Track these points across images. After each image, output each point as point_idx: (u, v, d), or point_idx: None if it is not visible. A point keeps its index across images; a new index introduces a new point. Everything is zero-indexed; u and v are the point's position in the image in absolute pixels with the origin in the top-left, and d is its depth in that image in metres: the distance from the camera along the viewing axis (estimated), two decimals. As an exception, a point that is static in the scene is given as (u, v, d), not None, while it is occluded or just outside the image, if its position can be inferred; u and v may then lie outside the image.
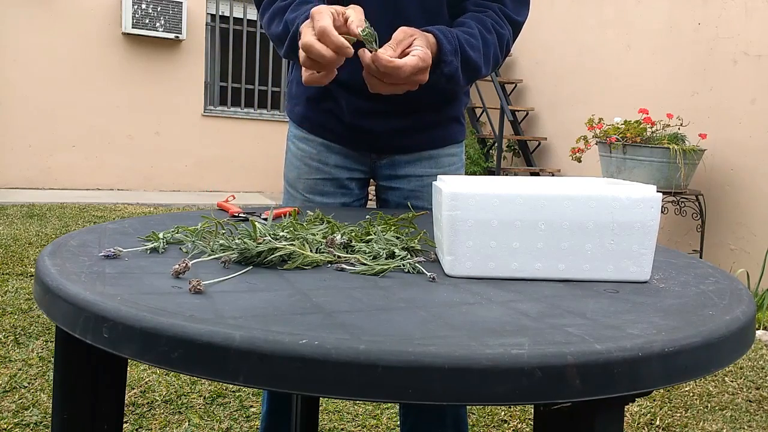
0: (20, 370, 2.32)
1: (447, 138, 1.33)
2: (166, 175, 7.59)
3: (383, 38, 0.97)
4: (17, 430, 1.92)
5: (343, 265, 0.73)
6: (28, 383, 2.21)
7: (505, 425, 2.16)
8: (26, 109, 6.87)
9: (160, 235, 0.81)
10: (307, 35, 0.92)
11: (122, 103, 7.29)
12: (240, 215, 1.05)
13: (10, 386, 2.18)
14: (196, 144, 7.69)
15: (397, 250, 0.77)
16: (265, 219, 0.86)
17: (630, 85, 5.23)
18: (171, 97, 7.51)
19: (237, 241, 0.74)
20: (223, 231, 0.83)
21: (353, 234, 0.83)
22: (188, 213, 1.08)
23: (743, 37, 4.37)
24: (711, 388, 2.55)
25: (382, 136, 1.27)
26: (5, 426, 1.92)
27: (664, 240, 4.77)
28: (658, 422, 2.22)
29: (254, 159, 7.89)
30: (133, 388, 2.23)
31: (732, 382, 2.63)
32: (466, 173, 4.62)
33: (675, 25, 4.88)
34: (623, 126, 4.30)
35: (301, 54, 0.93)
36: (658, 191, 0.72)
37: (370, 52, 0.94)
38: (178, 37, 7.28)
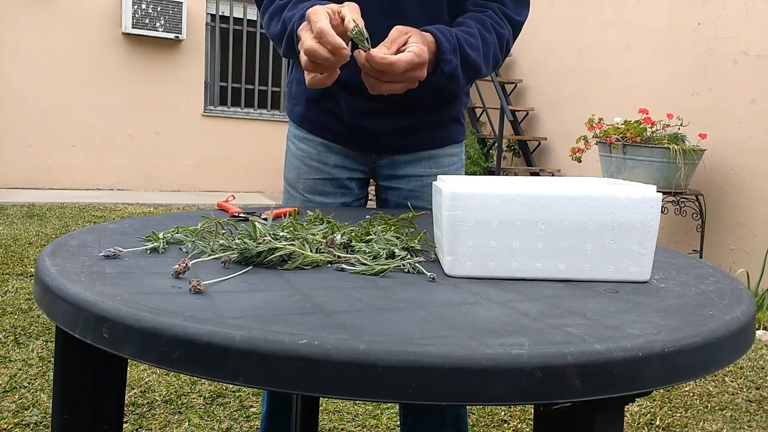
0: (20, 370, 2.32)
1: (447, 138, 1.33)
2: (166, 175, 7.59)
3: (382, 39, 0.97)
4: (17, 430, 1.92)
5: (343, 265, 0.73)
6: (28, 383, 2.21)
7: (505, 425, 2.16)
8: (26, 109, 6.87)
9: (160, 235, 0.81)
10: (308, 39, 0.91)
11: (122, 103, 7.29)
12: (240, 215, 1.05)
13: (10, 386, 2.18)
14: (196, 144, 7.69)
15: (397, 250, 0.77)
16: (265, 219, 0.86)
17: (630, 85, 5.23)
18: (171, 97, 7.51)
19: (237, 241, 0.74)
20: (223, 231, 0.83)
21: (353, 234, 0.83)
22: (188, 213, 1.08)
23: (743, 37, 4.37)
24: (711, 388, 2.55)
25: (382, 136, 1.27)
26: (5, 426, 1.92)
27: (664, 240, 4.77)
28: (658, 422, 2.22)
29: (254, 159, 7.89)
30: (133, 388, 2.23)
31: (732, 382, 2.63)
32: (466, 173, 4.62)
33: (675, 25, 4.88)
34: (623, 126, 4.30)
35: (303, 57, 0.93)
36: (658, 191, 0.72)
37: (364, 51, 0.94)
38: (178, 37, 7.28)
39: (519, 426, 2.16)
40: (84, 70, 7.06)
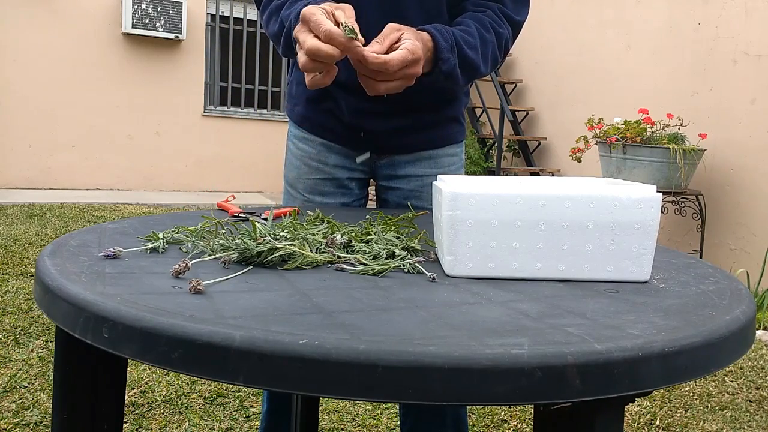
0: (20, 370, 2.32)
1: (447, 138, 1.33)
2: (166, 175, 7.60)
3: None
4: (17, 430, 1.92)
5: (343, 265, 0.73)
6: (28, 383, 2.21)
7: (505, 425, 2.16)
8: (26, 109, 6.87)
9: (160, 235, 0.81)
10: (309, 39, 0.91)
11: (122, 103, 7.29)
12: (240, 215, 1.05)
13: (10, 386, 2.18)
14: (196, 144, 7.69)
15: (397, 250, 0.77)
16: (265, 219, 0.86)
17: (630, 85, 5.24)
18: (171, 97, 7.51)
19: (237, 241, 0.74)
20: (223, 231, 0.83)
21: (353, 234, 0.83)
22: (188, 213, 1.08)
23: (743, 37, 4.37)
24: (711, 388, 2.55)
25: (382, 137, 1.28)
26: (5, 426, 1.92)
27: (664, 240, 4.77)
28: (658, 422, 2.22)
29: (254, 159, 7.90)
30: (133, 388, 2.23)
31: (732, 382, 2.63)
32: (466, 173, 4.62)
33: (675, 25, 4.88)
34: (623, 126, 4.30)
35: (302, 58, 0.93)
36: (658, 191, 0.72)
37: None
38: (178, 37, 7.28)
39: (519, 426, 2.16)
40: (84, 70, 7.06)
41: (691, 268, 0.82)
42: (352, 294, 0.63)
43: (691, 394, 2.48)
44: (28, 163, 6.96)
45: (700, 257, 4.28)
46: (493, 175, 4.26)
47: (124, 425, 1.91)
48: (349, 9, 0.94)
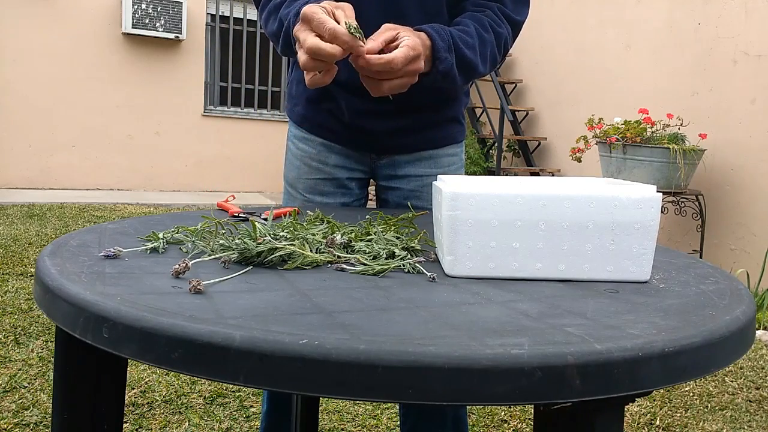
0: (20, 370, 2.32)
1: (447, 138, 1.33)
2: (166, 175, 7.60)
3: None
4: (17, 430, 1.92)
5: (343, 265, 0.73)
6: (28, 383, 2.21)
7: (505, 425, 2.16)
8: (26, 109, 6.87)
9: (160, 235, 0.81)
10: (309, 38, 0.91)
11: (122, 103, 7.29)
12: (240, 215, 1.05)
13: (10, 386, 2.18)
14: (196, 144, 7.69)
15: (397, 250, 0.77)
16: (265, 219, 0.86)
17: (630, 85, 5.24)
18: (171, 97, 7.51)
19: (237, 241, 0.74)
20: (223, 231, 0.83)
21: (353, 234, 0.83)
22: (188, 213, 1.08)
23: (743, 37, 4.37)
24: (711, 388, 2.55)
25: (382, 137, 1.27)
26: (5, 426, 1.92)
27: (664, 240, 4.77)
28: (658, 422, 2.22)
29: (254, 159, 7.90)
30: (133, 388, 2.23)
31: (732, 382, 2.63)
32: (466, 173, 4.62)
33: (675, 25, 4.88)
34: (623, 126, 4.30)
35: (302, 57, 0.92)
36: (658, 191, 0.72)
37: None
38: (178, 37, 7.28)
39: (519, 426, 2.16)
40: (84, 70, 7.06)
41: (691, 268, 0.82)
42: (352, 294, 0.63)
43: (691, 394, 2.48)
44: (28, 163, 6.95)
45: (700, 257, 4.28)
46: (493, 175, 4.26)
47: (124, 425, 1.91)
48: (348, 8, 0.94)
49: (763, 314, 3.50)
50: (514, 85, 6.69)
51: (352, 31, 0.90)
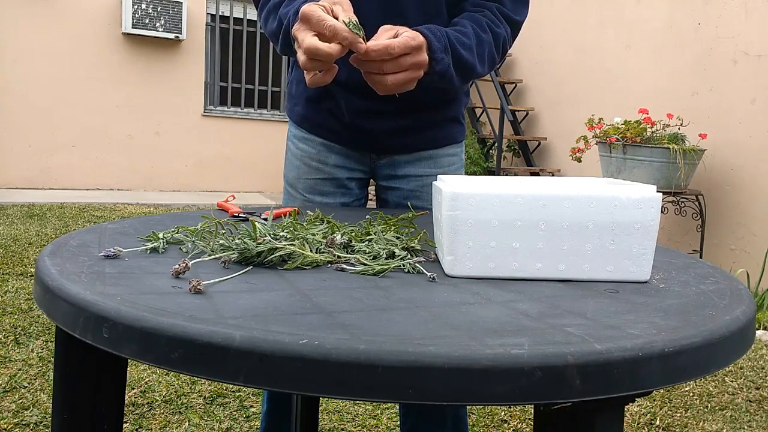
0: (20, 370, 2.32)
1: (447, 138, 1.33)
2: (166, 175, 7.60)
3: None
4: (17, 430, 1.92)
5: (343, 265, 0.73)
6: (28, 383, 2.21)
7: (505, 425, 2.16)
8: (26, 109, 6.87)
9: (160, 235, 0.81)
10: (307, 38, 0.91)
11: (122, 103, 7.29)
12: (240, 215, 1.05)
13: (10, 386, 2.18)
14: (196, 144, 7.69)
15: (397, 250, 0.77)
16: (265, 219, 0.86)
17: (630, 85, 5.24)
18: (171, 97, 7.51)
19: (237, 241, 0.74)
20: (223, 231, 0.83)
21: (353, 234, 0.83)
22: (188, 213, 1.08)
23: (743, 37, 4.37)
24: (711, 388, 2.55)
25: (382, 136, 1.27)
26: (5, 426, 1.92)
27: (664, 240, 4.77)
28: (658, 422, 2.22)
29: (254, 159, 7.90)
30: (133, 388, 2.23)
31: (732, 382, 2.63)
32: (466, 173, 4.62)
33: (675, 25, 4.88)
34: (623, 126, 4.30)
35: (302, 57, 0.92)
36: (658, 191, 0.72)
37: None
38: (178, 37, 7.28)
39: (519, 426, 2.16)
40: (84, 70, 7.06)
41: (691, 268, 0.82)
42: (352, 294, 0.63)
43: (691, 394, 2.48)
44: (28, 163, 6.95)
45: (700, 257, 4.28)
46: (493, 175, 4.26)
47: (124, 425, 1.91)
48: (346, 3, 0.94)
49: (763, 314, 3.50)
50: (514, 85, 6.68)
51: (351, 27, 0.89)
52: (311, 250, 0.75)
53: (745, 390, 2.56)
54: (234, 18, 7.91)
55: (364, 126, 1.26)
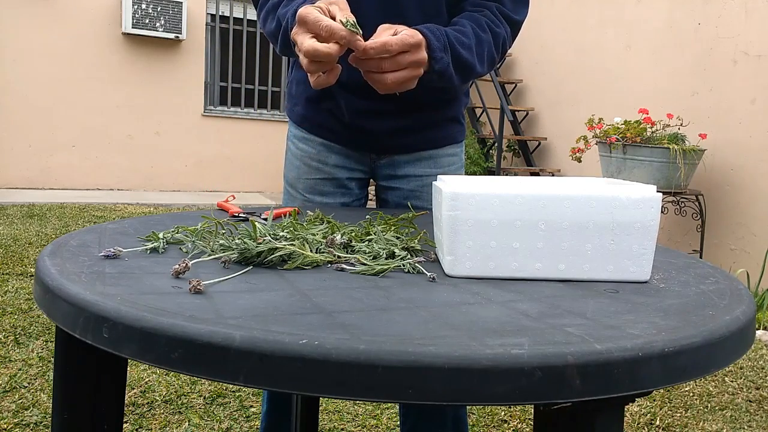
0: (20, 370, 2.32)
1: (447, 138, 1.33)
2: (166, 175, 7.60)
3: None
4: (17, 430, 1.92)
5: (343, 265, 0.73)
6: (28, 383, 2.21)
7: (505, 425, 2.16)
8: (26, 109, 6.87)
9: (160, 235, 0.81)
10: (306, 40, 0.91)
11: (122, 103, 7.29)
12: (240, 215, 1.05)
13: (10, 386, 2.18)
14: (196, 144, 7.69)
15: (397, 250, 0.77)
16: (265, 219, 0.86)
17: (630, 85, 5.24)
18: (171, 97, 7.51)
19: (237, 241, 0.74)
20: (223, 231, 0.83)
21: (353, 234, 0.83)
22: (188, 213, 1.08)
23: (743, 37, 4.37)
24: (711, 388, 2.55)
25: (382, 136, 1.27)
26: (5, 426, 1.92)
27: (664, 240, 4.77)
28: (658, 422, 2.22)
29: (254, 159, 7.90)
30: (133, 388, 2.23)
31: (732, 382, 2.63)
32: (466, 173, 4.62)
33: (675, 25, 4.88)
34: (623, 126, 4.30)
35: (303, 60, 0.93)
36: (658, 191, 0.72)
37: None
38: (178, 37, 7.28)
39: (519, 426, 2.16)
40: (84, 70, 7.06)
41: (691, 268, 0.82)
42: (352, 294, 0.63)
43: (691, 394, 2.48)
44: (28, 163, 6.95)
45: (700, 257, 4.28)
46: (493, 175, 4.26)
47: (124, 425, 1.91)
48: (342, 3, 0.94)
49: (763, 314, 3.50)
50: (514, 85, 6.68)
51: (349, 27, 0.90)
52: (311, 250, 0.75)
53: (745, 390, 2.56)
54: (234, 18, 7.91)
55: (364, 126, 1.26)
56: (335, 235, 0.81)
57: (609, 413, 0.54)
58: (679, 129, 4.27)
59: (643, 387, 0.50)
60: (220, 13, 7.83)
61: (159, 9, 7.12)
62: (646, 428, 2.18)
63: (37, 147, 6.97)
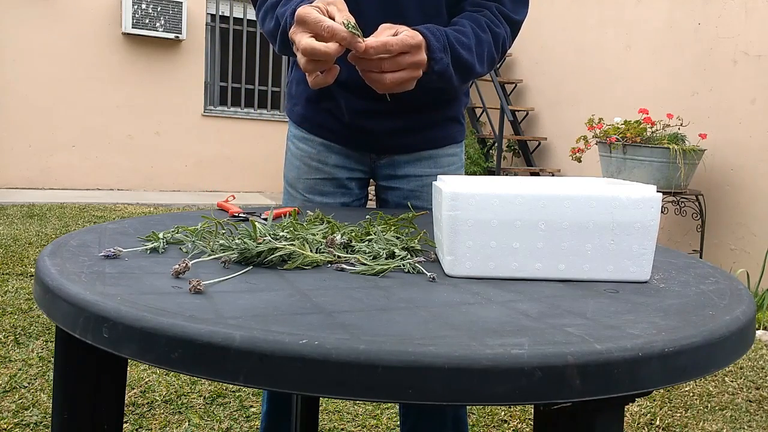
0: (20, 370, 2.32)
1: (447, 138, 1.33)
2: (166, 175, 7.60)
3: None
4: (17, 430, 1.92)
5: (343, 265, 0.73)
6: (28, 383, 2.21)
7: (505, 425, 2.16)
8: (26, 109, 6.87)
9: (160, 235, 0.81)
10: (304, 39, 0.91)
11: (122, 103, 7.29)
12: (240, 215, 1.05)
13: (10, 386, 2.18)
14: (196, 144, 7.69)
15: (397, 250, 0.77)
16: (265, 219, 0.86)
17: (630, 85, 5.24)
18: (171, 97, 7.51)
19: (237, 241, 0.74)
20: (223, 231, 0.83)
21: (353, 234, 0.83)
22: (188, 213, 1.08)
23: (743, 37, 4.37)
24: (711, 388, 2.55)
25: (382, 136, 1.27)
26: (5, 426, 1.92)
27: (664, 240, 4.77)
28: (658, 422, 2.22)
29: (254, 159, 7.90)
30: (133, 388, 2.23)
31: (732, 382, 2.63)
32: (466, 173, 4.62)
33: (675, 25, 4.88)
34: (623, 126, 4.30)
35: (301, 60, 0.93)
36: (658, 191, 0.72)
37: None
38: (178, 37, 7.28)
39: (519, 426, 2.16)
40: (84, 70, 7.06)
41: (691, 268, 0.82)
42: (352, 294, 0.63)
43: (691, 394, 2.48)
44: (28, 163, 6.95)
45: (700, 257, 4.28)
46: (493, 175, 4.26)
47: (124, 425, 1.91)
48: (340, 3, 0.94)
49: (763, 314, 3.50)
50: (514, 85, 6.68)
51: (350, 28, 0.90)
52: (311, 250, 0.75)
53: (745, 390, 2.56)
54: (234, 18, 7.91)
55: (364, 126, 1.26)
56: (335, 235, 0.81)
57: (609, 413, 0.54)
58: (679, 129, 4.27)
59: (643, 387, 0.50)
60: (220, 13, 7.83)
61: (159, 9, 7.12)
62: (646, 428, 2.18)
63: (37, 147, 6.97)
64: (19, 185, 6.93)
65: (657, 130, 4.28)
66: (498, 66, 6.65)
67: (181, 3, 7.22)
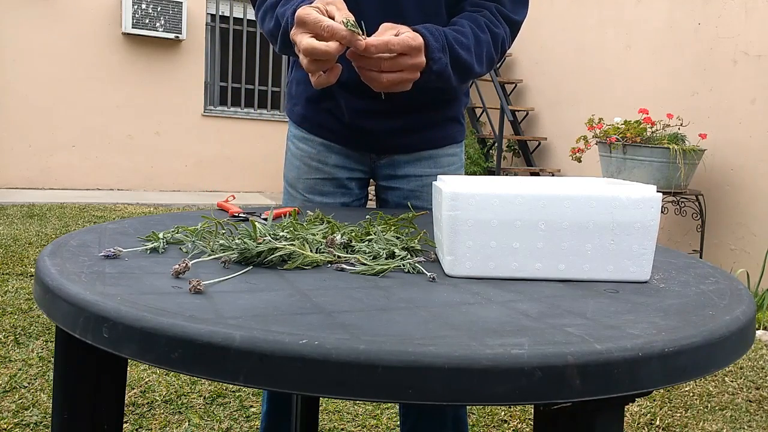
0: (20, 370, 2.32)
1: (447, 138, 1.33)
2: (166, 175, 7.60)
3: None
4: (17, 430, 1.92)
5: (343, 265, 0.73)
6: (28, 383, 2.21)
7: (505, 425, 2.16)
8: (26, 109, 6.87)
9: (160, 235, 0.81)
10: (304, 39, 0.91)
11: (122, 103, 7.29)
12: (240, 215, 1.05)
13: (10, 386, 2.18)
14: (196, 144, 7.69)
15: (397, 250, 0.77)
16: (265, 219, 0.86)
17: (630, 85, 5.24)
18: (171, 97, 7.51)
19: (237, 241, 0.74)
20: (223, 231, 0.83)
21: (353, 234, 0.83)
22: (188, 213, 1.08)
23: (743, 37, 4.37)
24: (711, 388, 2.55)
25: (382, 136, 1.27)
26: (5, 426, 1.92)
27: (664, 240, 4.77)
28: (658, 422, 2.22)
29: (254, 159, 7.90)
30: (133, 388, 2.23)
31: (732, 382, 2.63)
32: (466, 173, 4.62)
33: (675, 25, 4.88)
34: (623, 126, 4.30)
35: (303, 60, 0.93)
36: (658, 191, 0.72)
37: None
38: (178, 37, 7.28)
39: (519, 426, 2.16)
40: (84, 70, 7.06)
41: (691, 268, 0.82)
42: (352, 294, 0.63)
43: (691, 394, 2.48)
44: (28, 163, 6.95)
45: (700, 257, 4.28)
46: (493, 175, 4.26)
47: (124, 425, 1.91)
48: (339, 2, 0.94)
49: (763, 314, 3.50)
50: (514, 85, 6.68)
51: (349, 26, 0.90)
52: (311, 250, 0.75)
53: (745, 390, 2.56)
54: (234, 18, 7.91)
55: (364, 126, 1.26)
56: (335, 235, 0.81)
57: (609, 413, 0.54)
58: (679, 129, 4.27)
59: (643, 387, 0.50)
60: (220, 13, 7.83)
61: (159, 9, 7.12)
62: (646, 428, 2.18)
63: (37, 147, 6.97)
64: (19, 185, 6.93)
65: (657, 130, 4.28)
66: (498, 66, 6.65)
67: (181, 3, 7.22)
